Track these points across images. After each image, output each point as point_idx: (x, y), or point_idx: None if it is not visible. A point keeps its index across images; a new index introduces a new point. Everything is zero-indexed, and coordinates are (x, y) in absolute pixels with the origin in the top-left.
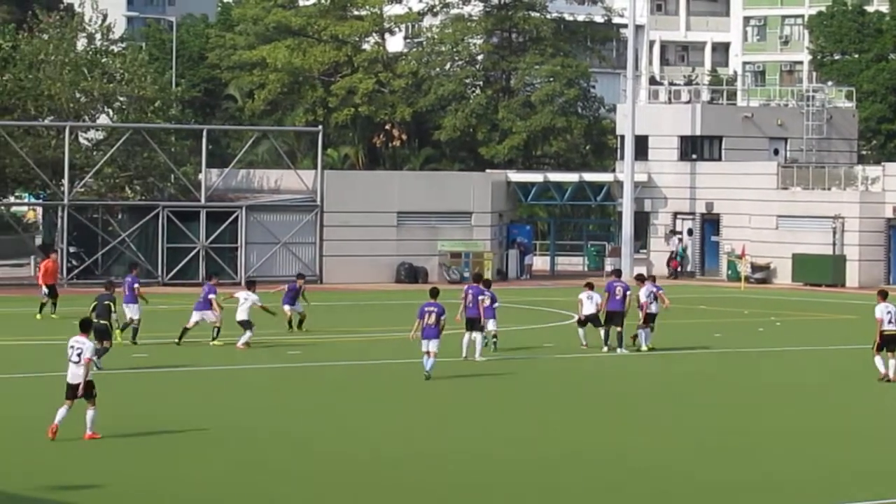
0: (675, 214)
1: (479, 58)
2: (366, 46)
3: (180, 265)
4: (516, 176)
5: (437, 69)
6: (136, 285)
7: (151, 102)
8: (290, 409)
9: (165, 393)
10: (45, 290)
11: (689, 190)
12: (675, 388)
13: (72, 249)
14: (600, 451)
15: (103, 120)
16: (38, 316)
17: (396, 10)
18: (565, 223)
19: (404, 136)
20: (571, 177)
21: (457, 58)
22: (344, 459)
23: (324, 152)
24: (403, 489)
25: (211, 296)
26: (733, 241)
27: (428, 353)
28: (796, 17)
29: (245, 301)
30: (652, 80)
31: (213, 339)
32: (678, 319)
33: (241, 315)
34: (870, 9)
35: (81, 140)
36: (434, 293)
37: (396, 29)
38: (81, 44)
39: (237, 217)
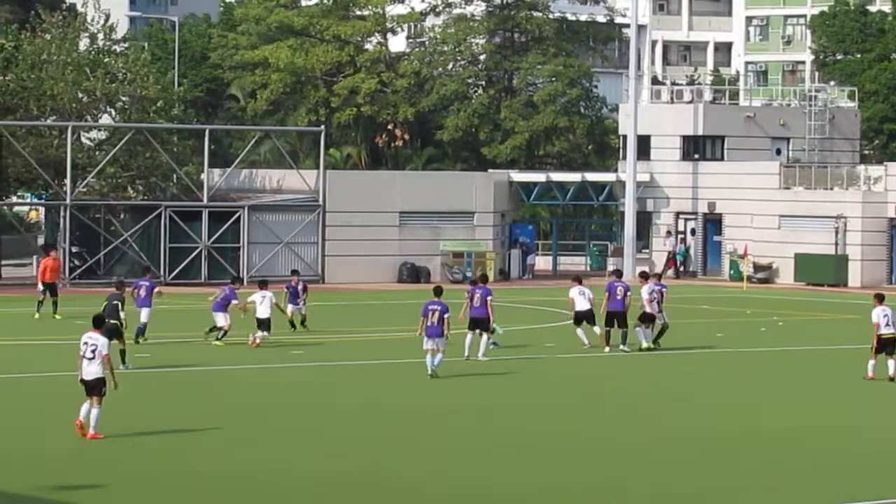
0: (678, 214)
1: (482, 58)
2: (368, 46)
3: (182, 265)
4: (519, 176)
5: (440, 69)
6: (155, 289)
7: (154, 102)
8: (290, 408)
9: (166, 393)
10: (40, 286)
11: (691, 190)
12: (676, 387)
13: (74, 249)
14: (601, 449)
15: (106, 120)
16: (37, 315)
17: (399, 9)
18: (567, 223)
19: (407, 136)
20: (574, 177)
21: (459, 58)
22: (344, 459)
23: (326, 152)
24: (404, 489)
25: (234, 301)
26: (736, 241)
27: (430, 351)
28: (799, 16)
29: (263, 299)
30: (654, 80)
31: (218, 338)
32: (680, 319)
33: (264, 313)
34: (872, 9)
35: (84, 140)
36: (438, 292)
37: (399, 29)
38: (84, 44)
39: (239, 217)
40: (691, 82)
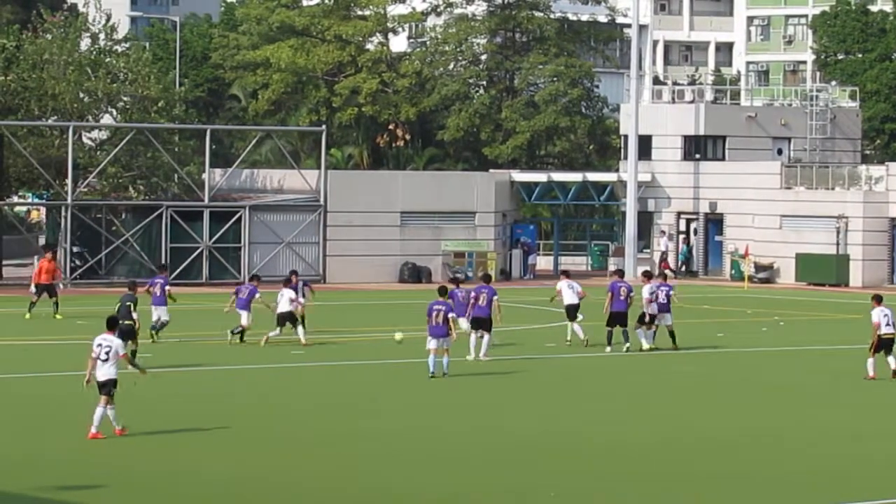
0: (679, 214)
1: (483, 57)
2: (369, 46)
3: (184, 265)
4: (520, 176)
5: (441, 69)
6: (167, 287)
7: (155, 102)
8: (291, 408)
9: (167, 393)
10: (33, 288)
11: (692, 190)
12: (677, 387)
13: (75, 249)
14: (601, 449)
15: (107, 120)
16: (27, 316)
17: (400, 9)
18: (569, 223)
19: (408, 136)
20: (575, 176)
21: (460, 57)
22: (345, 459)
23: (327, 152)
24: (406, 489)
25: (257, 295)
26: (737, 241)
27: (434, 350)
28: (800, 16)
29: (282, 297)
30: (655, 80)
31: (233, 331)
32: (682, 319)
33: (283, 307)
34: (873, 8)
35: (85, 140)
36: (442, 292)
37: (400, 29)
38: (85, 44)
39: (241, 217)
40: (692, 82)
